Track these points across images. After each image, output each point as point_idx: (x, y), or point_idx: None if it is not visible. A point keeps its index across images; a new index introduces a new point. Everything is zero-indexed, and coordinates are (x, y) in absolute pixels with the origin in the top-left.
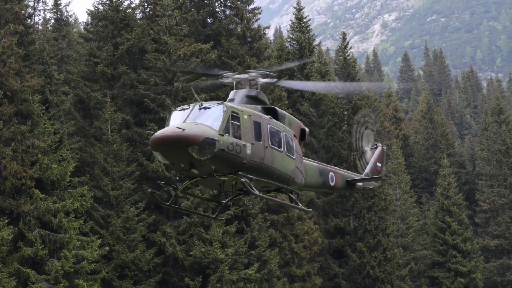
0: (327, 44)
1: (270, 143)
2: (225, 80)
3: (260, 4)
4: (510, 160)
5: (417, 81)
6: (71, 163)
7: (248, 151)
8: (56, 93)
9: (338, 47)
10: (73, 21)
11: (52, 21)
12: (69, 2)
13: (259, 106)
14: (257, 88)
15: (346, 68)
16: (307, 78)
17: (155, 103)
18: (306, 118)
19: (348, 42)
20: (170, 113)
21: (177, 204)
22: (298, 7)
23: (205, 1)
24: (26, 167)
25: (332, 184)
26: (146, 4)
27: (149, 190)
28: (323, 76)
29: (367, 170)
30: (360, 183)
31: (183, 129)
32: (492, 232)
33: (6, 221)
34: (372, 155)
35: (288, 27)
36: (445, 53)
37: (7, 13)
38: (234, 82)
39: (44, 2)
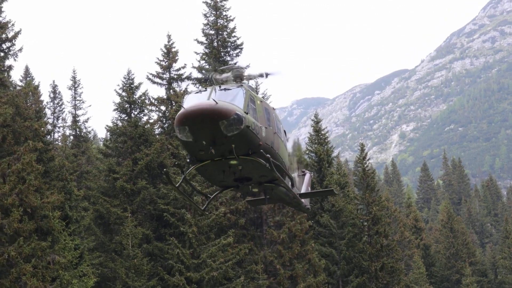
0: (346, 155)
1: (277, 130)
2: (218, 76)
3: None
4: None
5: (437, 191)
6: (91, 278)
7: (263, 134)
8: (76, 209)
9: (357, 158)
10: (92, 137)
11: (71, 137)
12: (88, 119)
13: None
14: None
15: (365, 179)
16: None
17: (175, 217)
18: (326, 230)
19: (366, 153)
20: (183, 97)
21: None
22: (316, 120)
23: None
24: (46, 283)
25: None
26: (164, 120)
27: (164, 170)
28: (342, 187)
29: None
30: (303, 200)
31: (217, 103)
32: None
33: None
34: (301, 181)
35: (307, 139)
36: (464, 162)
37: (26, 130)
38: (232, 77)
39: (63, 119)
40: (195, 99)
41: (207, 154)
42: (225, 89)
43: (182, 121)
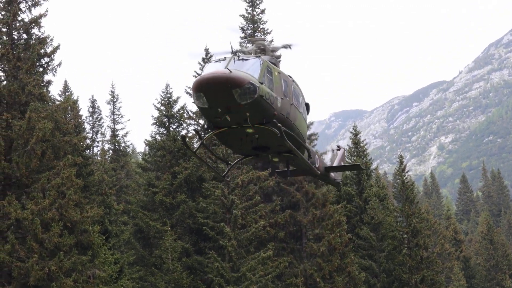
0: (384, 167)
1: (294, 102)
2: (244, 48)
3: (316, 130)
4: None
5: (476, 202)
6: None
7: (279, 104)
8: (115, 223)
9: (396, 170)
10: (131, 152)
11: (110, 151)
12: (127, 133)
13: None
14: (275, 56)
15: (404, 191)
16: (366, 202)
17: (214, 231)
18: (366, 242)
19: (405, 165)
20: (204, 65)
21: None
22: (354, 132)
23: None
24: None
25: (317, 166)
26: (203, 133)
27: (181, 134)
28: (382, 200)
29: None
30: (332, 174)
31: (231, 71)
32: None
33: None
34: (335, 156)
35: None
36: (503, 173)
37: (65, 145)
38: (255, 49)
39: (102, 134)
40: (212, 67)
41: (223, 121)
42: (243, 59)
43: (198, 88)
